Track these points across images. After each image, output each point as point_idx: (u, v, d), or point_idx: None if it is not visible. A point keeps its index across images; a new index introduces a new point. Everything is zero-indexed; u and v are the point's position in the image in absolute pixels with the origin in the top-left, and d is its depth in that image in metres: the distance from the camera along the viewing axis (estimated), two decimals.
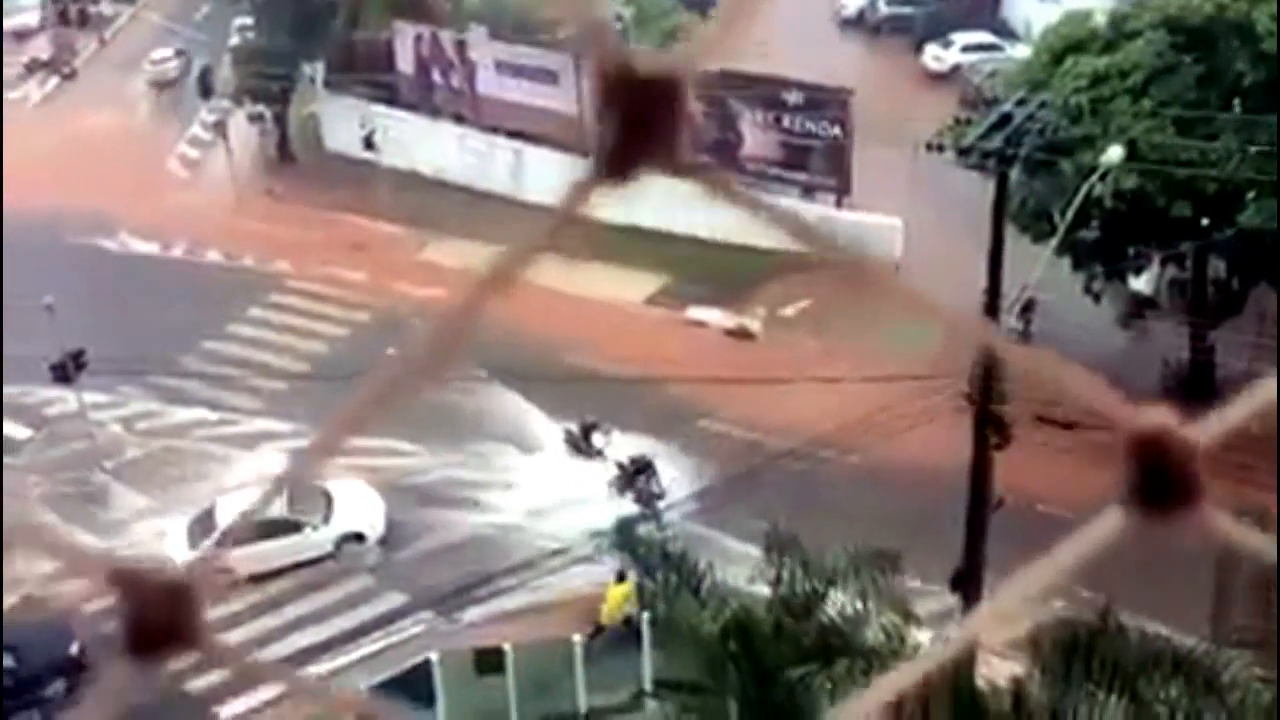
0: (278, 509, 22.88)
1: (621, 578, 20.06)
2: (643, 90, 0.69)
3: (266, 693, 20.56)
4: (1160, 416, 0.71)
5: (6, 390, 28.06)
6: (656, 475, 23.07)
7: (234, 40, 40.04)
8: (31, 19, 47.67)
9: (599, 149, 0.71)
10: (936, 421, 19.02)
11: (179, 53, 43.36)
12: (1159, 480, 0.69)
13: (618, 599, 20.10)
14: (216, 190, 36.94)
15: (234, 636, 20.44)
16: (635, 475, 22.95)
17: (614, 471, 23.27)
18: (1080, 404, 0.75)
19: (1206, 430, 0.67)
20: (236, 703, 20.62)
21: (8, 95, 45.08)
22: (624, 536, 20.34)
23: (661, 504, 21.97)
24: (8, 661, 20.85)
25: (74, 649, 21.30)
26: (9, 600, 23.22)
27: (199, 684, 19.92)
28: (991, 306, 17.70)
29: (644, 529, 20.30)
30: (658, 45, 37.42)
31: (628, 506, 22.69)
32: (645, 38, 39.13)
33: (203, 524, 22.98)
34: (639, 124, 0.70)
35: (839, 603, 15.07)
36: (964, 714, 13.54)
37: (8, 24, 45.95)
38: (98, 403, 26.91)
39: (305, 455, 0.94)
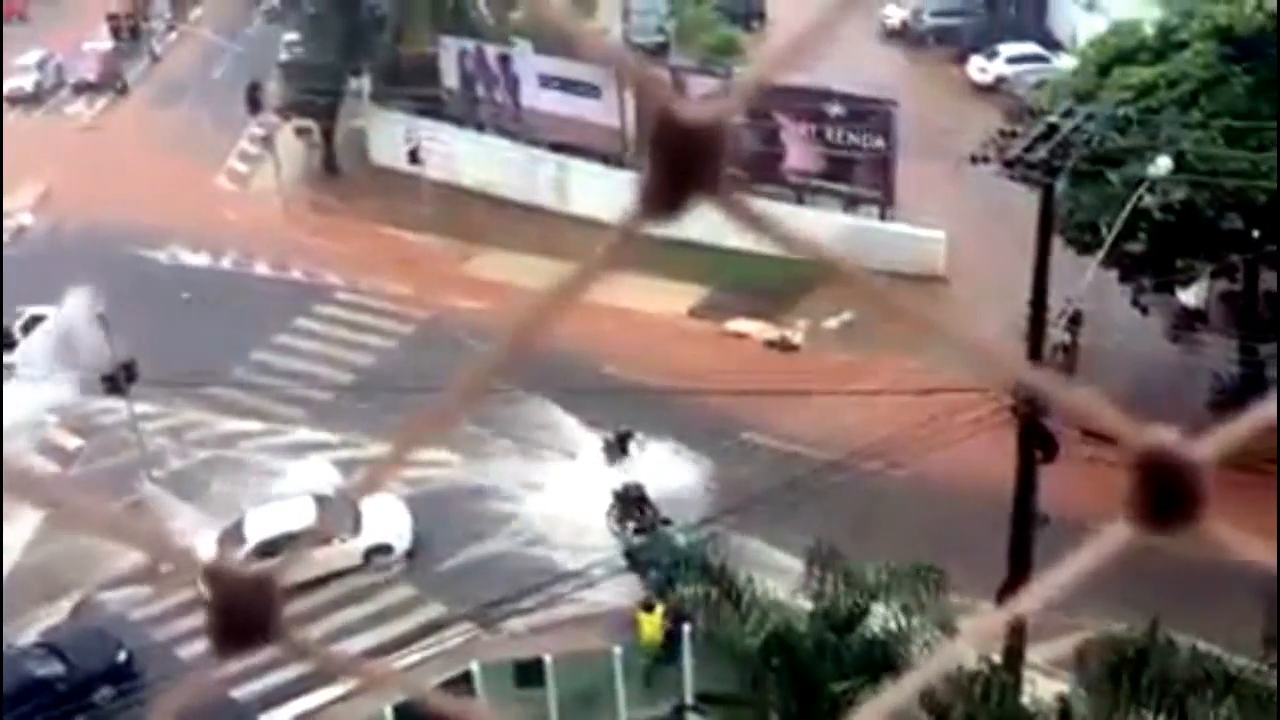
0: (308, 521, 23.08)
1: (649, 607, 20.03)
2: (686, 137, 0.74)
3: (311, 701, 20.74)
4: (1164, 435, 0.72)
5: (59, 399, 28.57)
6: (650, 501, 22.99)
7: (282, 56, 40.58)
8: (26, 82, 45.46)
9: (644, 189, 0.77)
10: (982, 435, 18.85)
11: None
12: (1162, 495, 0.73)
13: (652, 628, 20.06)
14: (264, 203, 37.43)
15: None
16: (631, 504, 22.89)
17: (610, 503, 23.20)
18: (1088, 423, 0.80)
19: (1207, 447, 0.71)
20: (282, 711, 20.81)
21: (62, 111, 45.98)
22: (633, 564, 20.39)
23: (666, 527, 21.86)
24: (57, 668, 21.17)
25: (122, 656, 21.59)
26: (64, 607, 23.60)
27: (244, 692, 20.15)
28: (1036, 319, 17.53)
29: (683, 541, 20.27)
30: (700, 60, 37.48)
31: (665, 510, 22.72)
32: (688, 51, 39.24)
33: (231, 536, 23.20)
34: (682, 167, 0.76)
35: (882, 618, 14.96)
36: None
37: (5, 85, 44.82)
38: (147, 413, 27.31)
39: (377, 468, 1.00)
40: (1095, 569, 0.75)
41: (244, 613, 0.78)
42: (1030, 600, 0.81)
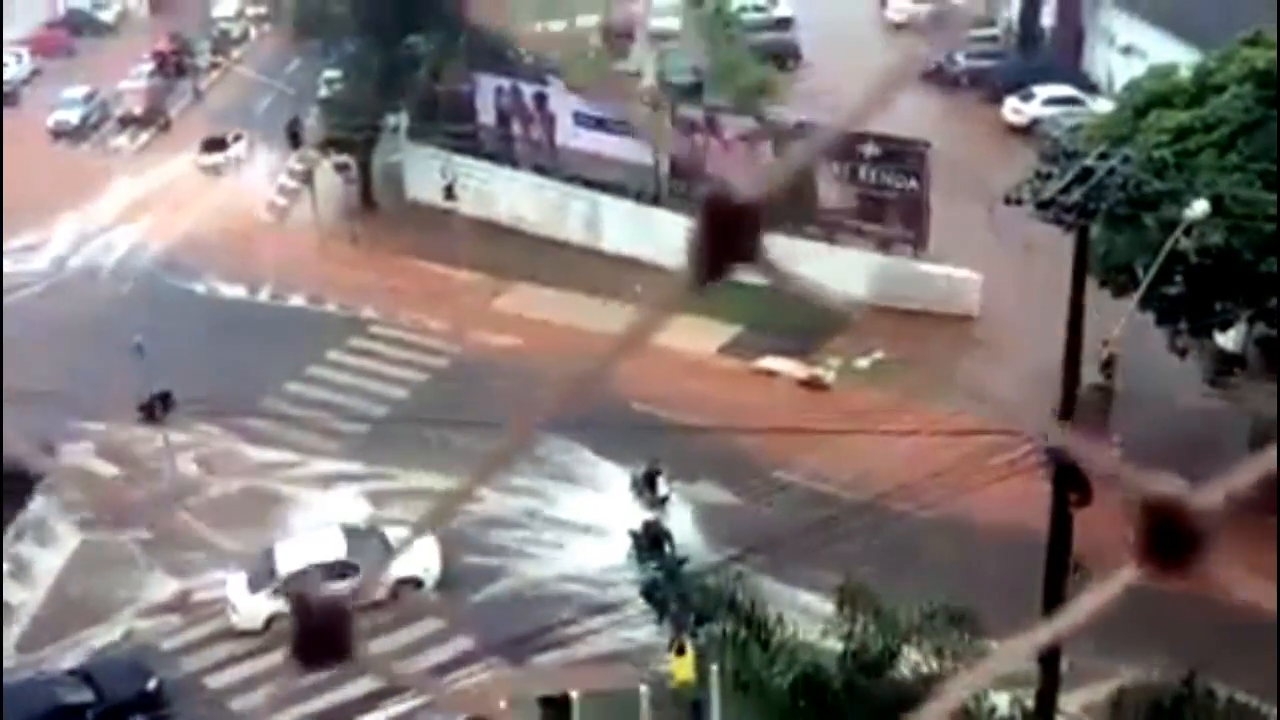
0: (338, 552, 23.09)
1: (681, 650, 19.82)
2: (732, 214, 0.86)
3: None
4: (1170, 483, 0.76)
5: (95, 427, 28.88)
6: (671, 539, 22.84)
7: (322, 92, 41.16)
8: (73, 116, 46.42)
9: (693, 260, 0.89)
10: (1015, 478, 18.67)
11: None
12: (1166, 539, 0.75)
13: (684, 671, 19.82)
14: (302, 236, 37.86)
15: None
16: (653, 542, 22.73)
17: (630, 543, 23.05)
18: (1098, 471, 0.85)
19: (1211, 494, 0.74)
20: None
21: (108, 144, 46.80)
22: (652, 602, 20.20)
23: (686, 566, 21.66)
24: (88, 695, 21.25)
25: (151, 685, 21.65)
26: (107, 637, 23.66)
27: None
28: (1071, 362, 17.40)
29: (708, 581, 20.11)
30: (736, 99, 37.69)
31: (693, 553, 22.53)
32: (722, 92, 39.46)
33: (262, 569, 23.27)
34: (728, 241, 0.88)
35: (913, 661, 14.80)
36: None
37: (51, 119, 46.18)
38: (182, 442, 27.55)
39: (446, 501, 1.06)
40: (1102, 610, 0.78)
41: (321, 633, 0.83)
42: (1038, 639, 0.85)
